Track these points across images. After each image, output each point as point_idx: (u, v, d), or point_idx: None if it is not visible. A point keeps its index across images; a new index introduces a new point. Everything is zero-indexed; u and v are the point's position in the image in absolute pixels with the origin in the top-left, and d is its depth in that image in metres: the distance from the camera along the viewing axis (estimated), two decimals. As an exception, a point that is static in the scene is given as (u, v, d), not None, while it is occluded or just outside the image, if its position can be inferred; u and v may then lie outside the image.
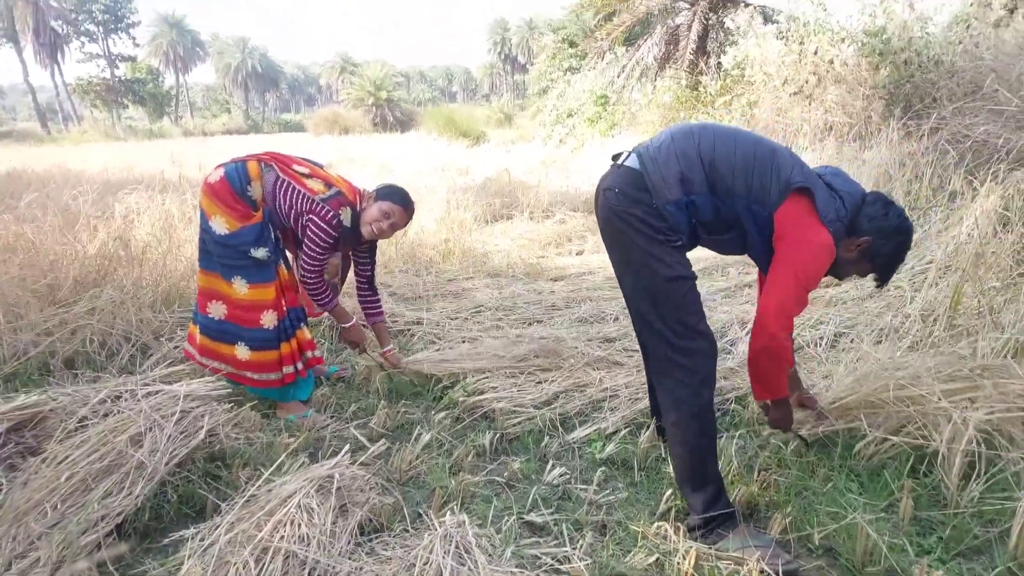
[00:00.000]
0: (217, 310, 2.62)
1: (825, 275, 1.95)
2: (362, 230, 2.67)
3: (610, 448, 2.40)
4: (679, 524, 1.91)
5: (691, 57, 12.26)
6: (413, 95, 71.15)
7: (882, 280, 2.00)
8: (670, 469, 2.22)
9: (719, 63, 10.91)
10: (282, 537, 1.69)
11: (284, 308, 2.66)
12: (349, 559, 1.74)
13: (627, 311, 2.05)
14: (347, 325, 2.86)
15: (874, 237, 1.86)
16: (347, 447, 2.18)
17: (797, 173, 1.83)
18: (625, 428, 2.56)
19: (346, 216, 2.60)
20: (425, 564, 1.64)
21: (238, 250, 2.53)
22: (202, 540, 1.75)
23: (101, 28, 46.73)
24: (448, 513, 1.91)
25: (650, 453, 2.36)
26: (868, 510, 1.94)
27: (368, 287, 2.95)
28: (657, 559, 1.79)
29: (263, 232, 2.56)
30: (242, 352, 2.62)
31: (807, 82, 7.42)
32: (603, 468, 2.31)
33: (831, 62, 7.22)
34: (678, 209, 1.82)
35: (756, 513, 2.05)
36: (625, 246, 1.89)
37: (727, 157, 1.83)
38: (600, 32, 14.46)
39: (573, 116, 16.14)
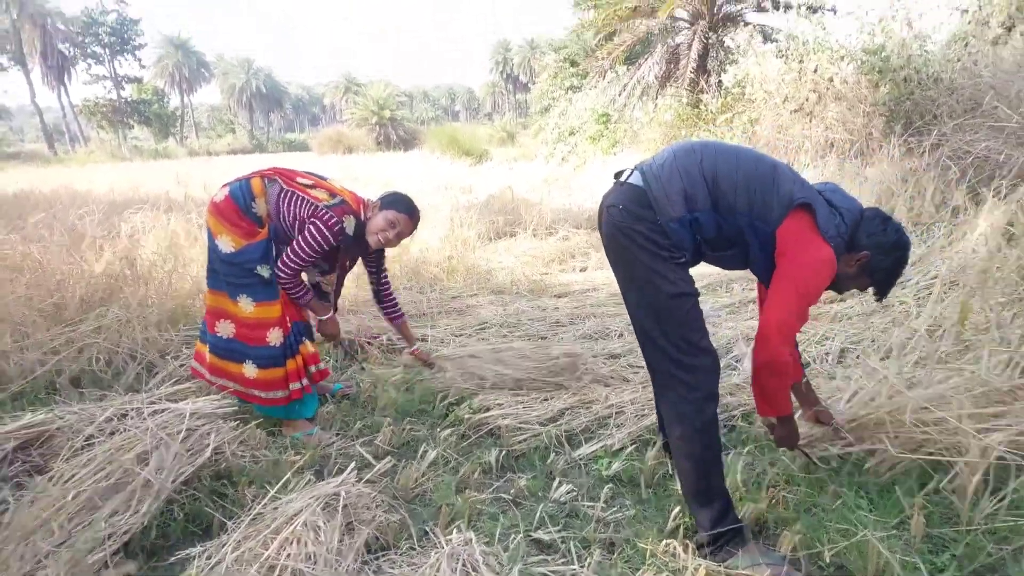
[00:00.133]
0: (225, 329, 2.62)
1: (826, 290, 1.96)
2: (369, 240, 2.72)
3: (617, 465, 2.39)
4: (688, 542, 1.90)
5: (692, 75, 12.35)
6: (416, 114, 71.72)
7: (881, 294, 2.01)
8: (678, 486, 2.21)
9: (720, 81, 10.99)
10: (289, 555, 1.69)
11: (288, 324, 2.67)
12: (356, 577, 1.73)
13: (632, 327, 2.06)
14: (324, 317, 2.83)
15: (873, 252, 1.88)
16: (353, 465, 2.18)
17: (799, 189, 1.85)
18: (632, 445, 2.55)
19: (349, 224, 2.61)
20: (433, 582, 1.63)
21: (244, 268, 2.55)
22: (209, 558, 1.74)
23: (107, 50, 47.21)
24: (455, 531, 1.91)
25: (657, 470, 2.35)
26: (879, 527, 1.93)
27: (384, 292, 3.04)
28: (666, 577, 1.78)
29: (268, 249, 2.58)
30: (250, 370, 2.62)
31: (807, 99, 7.49)
32: (610, 485, 2.29)
33: (831, 80, 7.28)
34: (681, 226, 1.84)
35: (765, 530, 2.04)
36: (629, 263, 1.90)
37: (729, 174, 1.84)
38: (601, 52, 14.59)
39: (575, 134, 16.26)
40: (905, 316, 3.52)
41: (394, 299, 3.08)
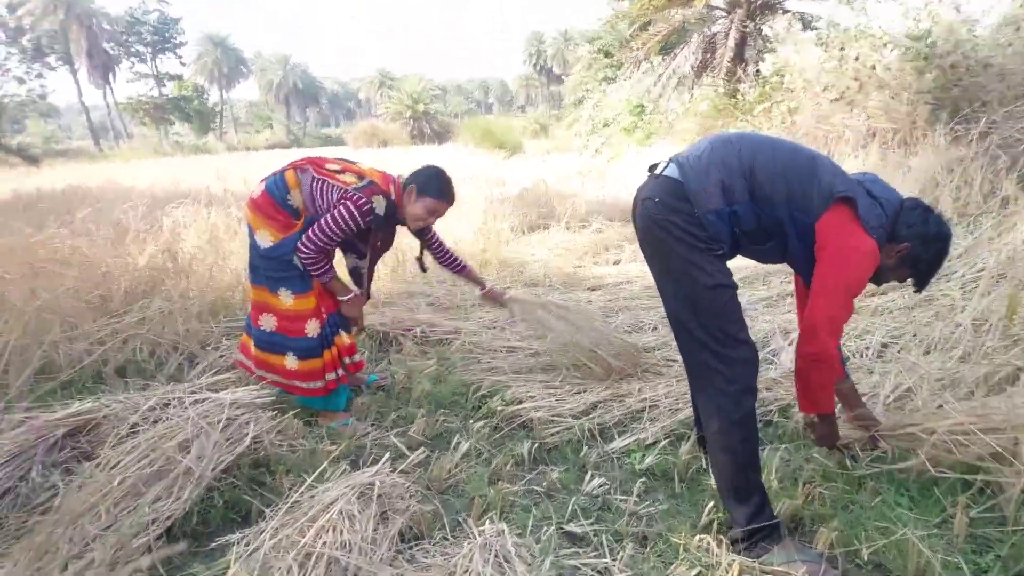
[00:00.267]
0: (268, 322, 2.68)
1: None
2: (409, 225, 2.75)
3: (650, 459, 2.38)
4: (722, 537, 1.87)
5: (728, 65, 12.13)
6: (450, 107, 71.90)
7: (921, 285, 1.97)
8: (712, 481, 2.19)
9: (757, 70, 10.77)
10: (324, 543, 1.72)
11: (324, 315, 2.71)
12: (390, 566, 1.76)
13: (666, 321, 2.04)
14: (346, 298, 2.76)
15: (914, 243, 1.84)
16: (387, 455, 2.21)
17: (839, 181, 1.81)
18: (665, 439, 2.53)
19: (379, 204, 2.58)
20: (465, 572, 1.65)
21: (282, 260, 2.59)
22: (247, 545, 1.78)
23: (150, 49, 48.34)
24: (487, 522, 1.92)
25: (691, 464, 2.33)
26: (920, 526, 1.88)
27: (440, 252, 3.06)
28: (699, 572, 1.76)
29: None
30: (291, 362, 2.68)
31: (848, 88, 7.29)
32: (643, 479, 2.28)
33: (873, 67, 7.07)
34: (719, 219, 1.81)
35: (801, 527, 2.01)
36: (665, 255, 1.88)
37: (767, 165, 1.81)
38: (636, 42, 14.41)
39: (609, 126, 16.10)
40: (950, 310, 3.42)
41: (452, 254, 3.08)
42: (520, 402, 2.82)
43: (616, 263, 5.93)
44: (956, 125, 5.90)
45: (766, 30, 12.22)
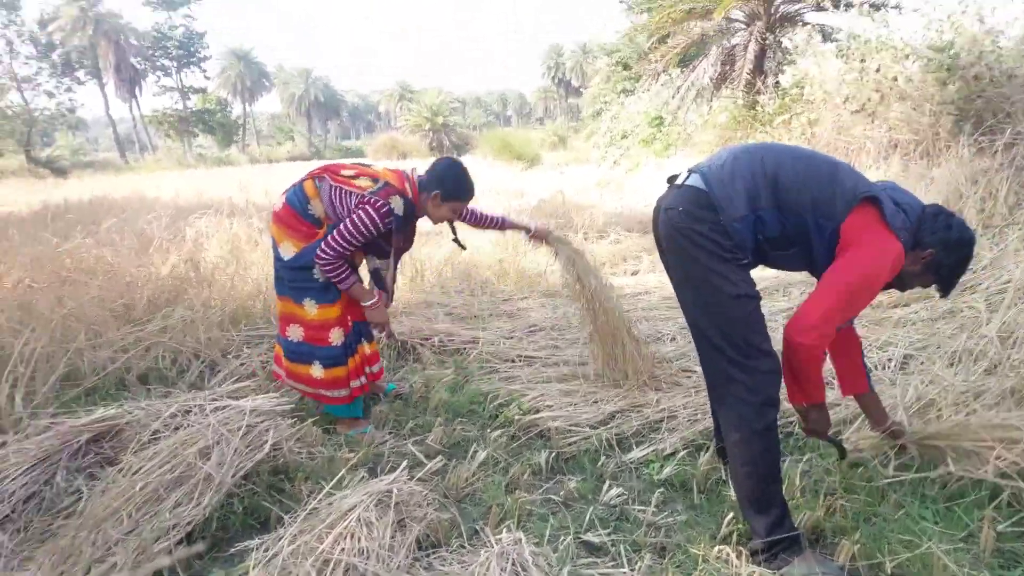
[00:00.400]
0: (295, 332, 2.71)
1: (887, 288, 1.90)
2: (433, 221, 2.78)
3: (668, 469, 2.36)
4: (741, 548, 1.86)
5: (748, 77, 12.08)
6: (468, 120, 72.35)
7: (945, 291, 1.94)
8: (731, 492, 2.17)
9: (777, 82, 10.73)
10: (343, 550, 1.73)
11: (349, 323, 2.73)
12: (407, 573, 1.76)
13: (685, 331, 2.03)
14: (370, 303, 2.72)
15: (938, 250, 1.81)
16: (405, 463, 2.21)
17: (862, 184, 1.80)
18: (684, 449, 2.51)
19: (397, 205, 2.58)
20: (482, 581, 1.64)
21: (305, 270, 2.61)
22: (266, 551, 1.79)
23: (175, 63, 49.19)
24: (504, 531, 1.91)
25: (710, 475, 2.31)
26: (945, 539, 1.85)
27: (479, 220, 3.06)
28: (718, 583, 1.74)
29: None
30: (317, 371, 2.70)
31: (869, 99, 7.24)
32: (661, 489, 2.27)
33: (895, 79, 7.03)
34: (744, 226, 1.80)
35: (822, 539, 1.98)
36: (688, 264, 1.87)
37: (790, 172, 1.81)
38: (654, 54, 14.42)
39: (627, 137, 16.10)
40: (975, 322, 3.37)
41: (486, 215, 3.07)
42: (537, 411, 2.82)
43: (634, 274, 5.91)
44: (980, 136, 5.84)
45: (786, 42, 12.17)
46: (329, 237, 2.53)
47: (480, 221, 3.07)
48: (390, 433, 2.80)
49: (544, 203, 8.77)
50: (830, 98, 8.02)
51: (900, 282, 1.89)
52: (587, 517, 2.11)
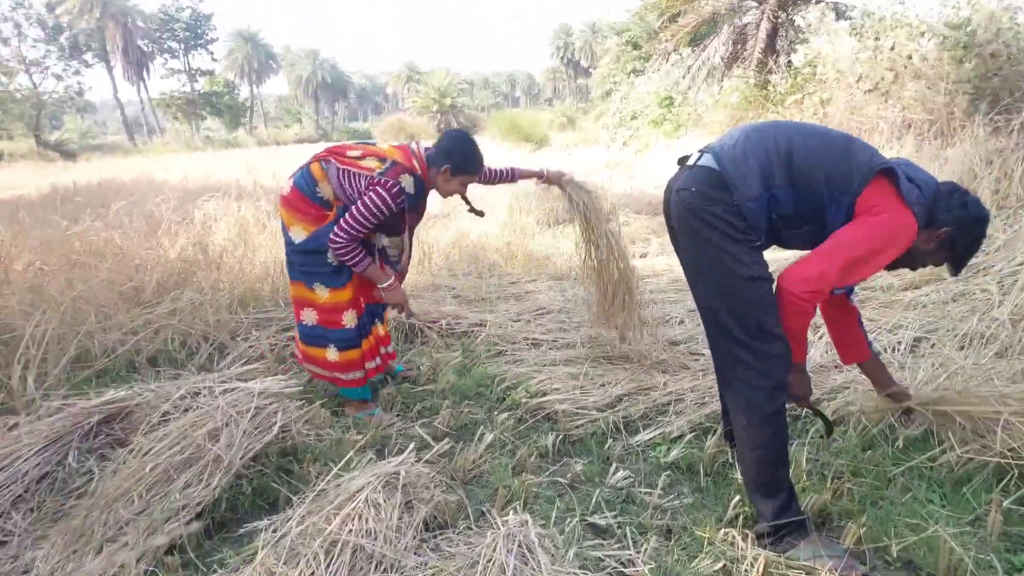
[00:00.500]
0: (309, 316, 2.71)
1: (898, 267, 1.88)
2: (442, 196, 2.76)
3: (675, 452, 2.36)
4: (747, 531, 1.86)
5: (760, 56, 11.94)
6: (477, 101, 71.96)
7: (957, 269, 1.91)
8: (738, 475, 2.17)
9: (789, 61, 10.60)
10: (350, 531, 1.74)
11: (362, 304, 2.74)
12: (414, 554, 1.77)
13: (693, 313, 2.02)
14: (386, 285, 2.70)
15: (953, 228, 1.78)
16: (412, 445, 2.22)
17: (878, 156, 1.78)
18: (691, 432, 2.51)
19: (407, 182, 2.56)
20: (489, 562, 1.65)
21: (315, 254, 2.60)
22: (275, 531, 1.81)
23: (182, 45, 49.12)
24: (511, 512, 1.92)
25: (717, 458, 2.31)
26: (952, 523, 1.85)
27: (492, 177, 3.06)
28: (724, 566, 1.75)
29: None
30: (332, 354, 2.72)
31: (883, 78, 7.14)
32: (668, 472, 2.27)
33: (909, 57, 6.92)
34: (758, 206, 1.78)
35: (828, 522, 1.98)
36: (701, 245, 1.84)
37: (804, 149, 1.78)
38: (665, 33, 14.26)
39: (637, 118, 15.97)
40: (986, 304, 3.33)
41: (497, 172, 3.06)
42: (544, 394, 2.82)
43: (643, 256, 5.89)
44: (996, 115, 5.75)
45: (798, 20, 11.99)
46: (341, 221, 2.50)
47: (491, 178, 3.04)
48: (397, 415, 2.81)
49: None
50: (843, 77, 7.92)
51: (912, 260, 1.87)
52: (593, 499, 2.12)
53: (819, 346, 3.10)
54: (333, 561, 1.66)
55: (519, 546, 1.71)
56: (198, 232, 4.88)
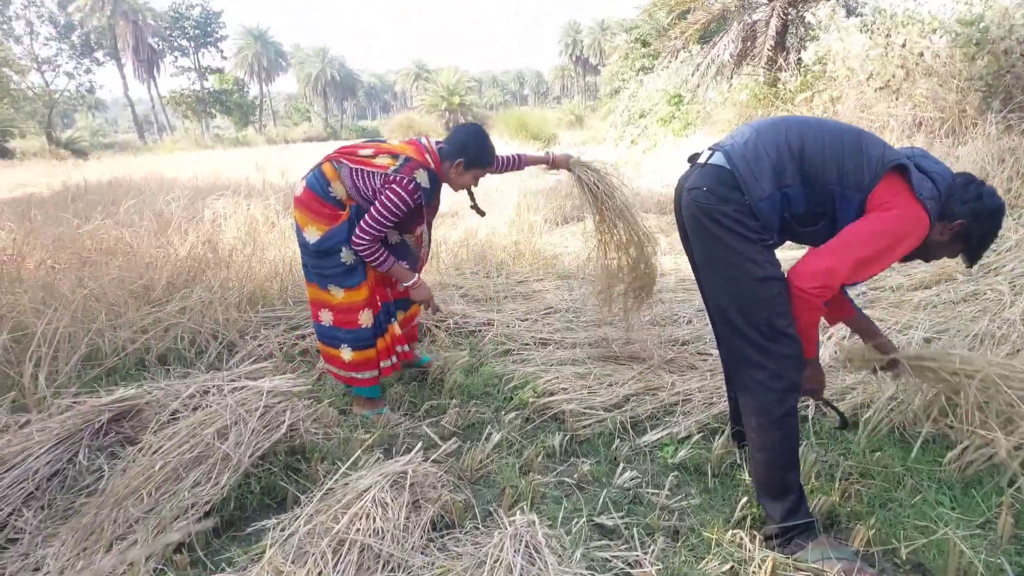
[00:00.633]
0: (326, 317, 2.72)
1: (912, 259, 1.86)
2: (454, 189, 2.78)
3: (683, 453, 2.36)
4: (755, 532, 1.86)
5: (769, 53, 11.86)
6: (485, 99, 71.88)
7: (972, 260, 1.90)
8: (746, 476, 2.17)
9: (799, 59, 10.53)
10: (358, 530, 1.74)
11: (378, 303, 2.75)
12: (421, 554, 1.78)
13: (701, 313, 2.01)
14: (410, 283, 2.73)
15: (968, 220, 1.77)
16: (420, 444, 2.23)
17: (890, 153, 1.76)
18: (699, 433, 2.51)
19: (422, 177, 2.57)
20: (495, 562, 1.65)
21: (329, 255, 2.60)
22: (283, 530, 1.82)
23: (192, 43, 49.31)
24: (518, 512, 1.92)
25: (725, 459, 2.30)
26: (962, 525, 1.84)
27: (501, 165, 3.01)
28: (732, 567, 1.74)
29: (352, 230, 2.60)
30: (346, 354, 2.73)
31: (894, 76, 7.09)
32: (675, 473, 2.27)
33: (921, 54, 6.87)
34: (770, 205, 1.77)
35: (837, 524, 1.97)
36: (713, 245, 1.83)
37: (816, 145, 1.77)
38: (674, 31, 14.19)
39: (645, 116, 15.92)
40: (998, 305, 3.31)
41: (500, 156, 2.98)
42: (552, 394, 2.82)
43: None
44: (1008, 113, 5.70)
45: (808, 17, 11.89)
46: (362, 222, 2.52)
47: (500, 166, 3.02)
48: (405, 415, 2.82)
49: (560, 184, 8.71)
50: (853, 75, 7.86)
51: (926, 252, 1.85)
52: (600, 500, 2.12)
53: (827, 346, 3.08)
54: (341, 560, 1.67)
55: (526, 546, 1.71)
56: (208, 230, 4.89)
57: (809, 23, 11.67)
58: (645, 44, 19.53)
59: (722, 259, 1.82)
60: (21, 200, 8.71)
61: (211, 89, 50.20)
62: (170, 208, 5.95)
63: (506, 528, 1.77)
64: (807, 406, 2.63)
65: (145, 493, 1.95)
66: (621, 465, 2.33)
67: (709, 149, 1.90)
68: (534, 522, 1.80)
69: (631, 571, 1.76)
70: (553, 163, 3.09)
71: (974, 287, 3.65)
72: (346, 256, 2.61)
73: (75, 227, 4.83)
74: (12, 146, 27.95)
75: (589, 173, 3.05)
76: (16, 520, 1.98)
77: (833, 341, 3.11)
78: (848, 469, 2.17)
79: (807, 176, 1.77)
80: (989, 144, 5.39)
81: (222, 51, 51.23)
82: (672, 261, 5.23)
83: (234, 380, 2.52)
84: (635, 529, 1.96)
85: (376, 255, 2.57)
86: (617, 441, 2.52)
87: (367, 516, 1.79)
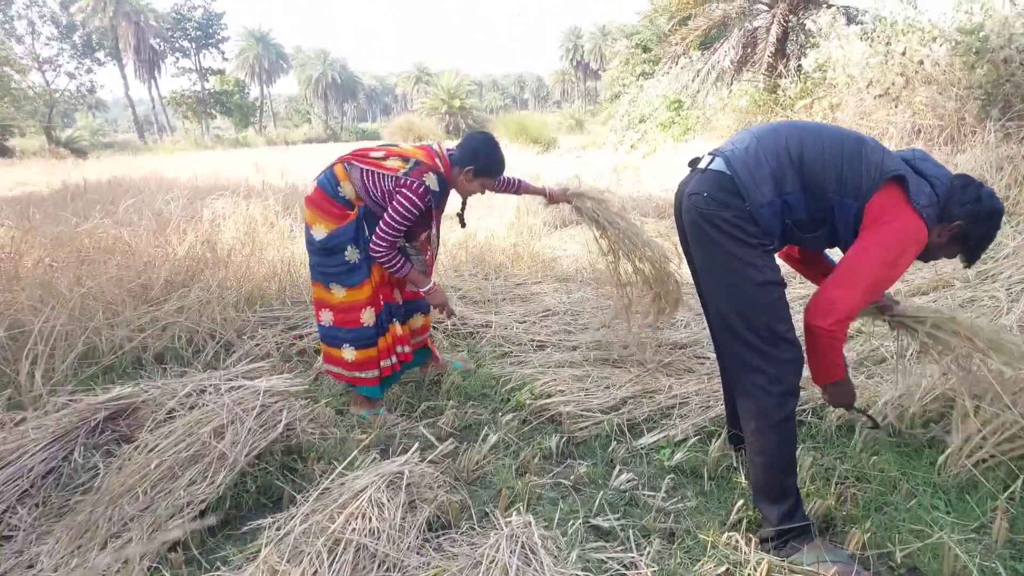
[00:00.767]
0: (326, 317, 2.73)
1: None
2: (462, 196, 2.80)
3: (679, 455, 2.36)
4: (751, 535, 1.85)
5: (769, 60, 11.89)
6: (485, 103, 71.95)
7: (971, 261, 1.91)
8: (742, 479, 2.17)
9: (799, 66, 10.56)
10: (354, 530, 1.74)
11: (381, 302, 2.75)
12: (417, 554, 1.78)
13: (699, 317, 2.02)
14: (427, 288, 2.77)
15: (966, 222, 1.77)
16: (417, 445, 2.23)
17: (889, 160, 1.76)
18: (695, 436, 2.51)
19: (431, 181, 2.59)
20: (491, 563, 1.65)
21: (333, 253, 2.62)
22: (278, 529, 1.82)
23: (194, 44, 49.34)
24: (514, 513, 1.92)
25: (721, 462, 2.30)
26: (957, 530, 1.84)
27: (500, 184, 3.00)
28: (727, 570, 1.74)
29: (359, 229, 2.64)
30: (349, 353, 2.73)
31: (894, 84, 7.10)
32: (671, 475, 2.27)
33: (920, 63, 6.88)
34: (771, 212, 1.77)
35: (832, 527, 1.97)
36: (713, 250, 1.83)
37: (815, 151, 1.77)
38: (675, 36, 14.23)
39: (645, 121, 15.95)
40: (995, 311, 3.31)
41: (506, 178, 3.01)
42: (549, 396, 2.82)
43: (649, 259, 5.87)
44: (1007, 122, 5.71)
45: (809, 24, 11.96)
46: (377, 230, 2.56)
47: (501, 185, 3.04)
48: (402, 415, 2.82)
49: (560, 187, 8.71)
50: (853, 82, 7.88)
51: (925, 253, 1.86)
52: (597, 502, 2.12)
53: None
54: (336, 560, 1.67)
55: (522, 547, 1.71)
56: (206, 230, 4.89)
57: (809, 30, 11.72)
58: (646, 50, 19.55)
59: (722, 264, 1.82)
60: (20, 198, 8.71)
61: (212, 90, 50.22)
62: (169, 208, 5.95)
63: (502, 529, 1.77)
64: (804, 410, 2.63)
65: (140, 491, 1.94)
66: (617, 467, 2.33)
67: (709, 154, 1.90)
68: (530, 523, 1.80)
69: (627, 573, 1.76)
70: (551, 198, 3.09)
71: (972, 293, 3.65)
72: (350, 254, 2.62)
73: (74, 226, 4.83)
74: (12, 145, 27.96)
75: (588, 203, 3.05)
76: (11, 517, 1.98)
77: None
78: (844, 473, 2.17)
79: (807, 183, 1.77)
80: (987, 152, 5.41)
81: (223, 52, 51.27)
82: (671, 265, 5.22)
83: (231, 379, 2.52)
84: (631, 531, 1.96)
85: (394, 261, 2.62)
86: (614, 443, 2.51)
87: (363, 516, 1.79)
